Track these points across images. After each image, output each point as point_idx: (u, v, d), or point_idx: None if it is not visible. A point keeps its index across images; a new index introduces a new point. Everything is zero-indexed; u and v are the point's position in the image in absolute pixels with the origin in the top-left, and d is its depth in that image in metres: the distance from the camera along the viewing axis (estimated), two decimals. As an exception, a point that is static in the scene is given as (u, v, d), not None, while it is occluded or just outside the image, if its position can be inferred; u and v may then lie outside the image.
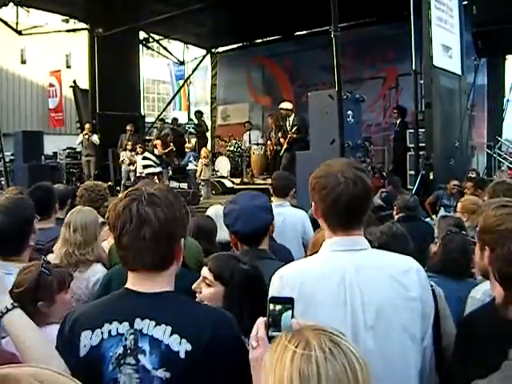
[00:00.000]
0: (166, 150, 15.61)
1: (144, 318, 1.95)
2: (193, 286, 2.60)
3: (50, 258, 3.88)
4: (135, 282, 2.04)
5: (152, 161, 14.85)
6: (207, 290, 2.57)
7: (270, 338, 1.65)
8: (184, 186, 15.43)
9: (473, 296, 2.92)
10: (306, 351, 1.30)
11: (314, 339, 1.32)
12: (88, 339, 1.95)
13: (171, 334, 1.92)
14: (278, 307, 1.71)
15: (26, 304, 2.83)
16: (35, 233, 3.59)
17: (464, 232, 4.21)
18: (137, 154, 15.82)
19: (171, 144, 16.07)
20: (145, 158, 14.96)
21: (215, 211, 5.71)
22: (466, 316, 2.61)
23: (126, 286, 2.07)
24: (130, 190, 2.08)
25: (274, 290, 2.21)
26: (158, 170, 14.72)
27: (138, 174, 14.90)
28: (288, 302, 1.72)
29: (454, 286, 3.51)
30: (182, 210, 2.13)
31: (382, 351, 2.11)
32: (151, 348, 1.91)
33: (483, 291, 2.74)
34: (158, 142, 15.74)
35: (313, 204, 2.36)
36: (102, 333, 1.95)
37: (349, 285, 2.16)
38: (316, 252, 2.36)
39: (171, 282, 2.09)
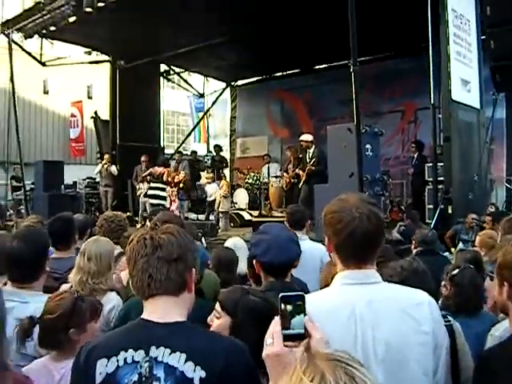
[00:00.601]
0: (176, 180, 15.65)
1: (159, 346, 1.98)
2: (208, 320, 2.61)
3: (65, 286, 3.92)
4: (150, 312, 2.09)
5: (159, 189, 14.93)
6: (216, 321, 2.59)
7: (284, 337, 1.70)
8: (202, 217, 15.50)
9: (492, 334, 2.89)
10: None
11: (329, 373, 1.30)
12: (104, 367, 1.99)
13: (186, 361, 1.95)
14: (289, 306, 1.74)
15: (57, 331, 2.85)
16: (49, 260, 3.65)
17: (471, 266, 4.18)
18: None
19: (181, 173, 16.15)
20: (151, 188, 15.06)
21: (234, 243, 5.73)
22: (485, 351, 2.58)
23: (141, 316, 2.11)
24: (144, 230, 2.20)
25: None
26: (163, 202, 14.71)
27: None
28: (299, 300, 1.75)
29: (470, 323, 3.48)
30: (193, 242, 2.25)
31: None
32: (166, 375, 1.95)
33: (504, 328, 2.72)
34: (164, 170, 15.71)
35: (326, 239, 2.37)
36: (117, 360, 1.99)
37: (359, 318, 2.16)
38: (327, 286, 2.37)
39: (185, 312, 2.15)
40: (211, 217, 15.33)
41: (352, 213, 2.22)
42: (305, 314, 1.74)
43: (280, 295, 1.79)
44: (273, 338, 1.73)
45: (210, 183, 15.59)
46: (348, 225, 2.21)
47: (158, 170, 15.28)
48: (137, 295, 2.19)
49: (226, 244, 5.85)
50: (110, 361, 1.99)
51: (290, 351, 1.71)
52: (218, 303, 2.62)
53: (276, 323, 1.75)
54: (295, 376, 1.34)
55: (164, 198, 14.87)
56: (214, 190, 15.24)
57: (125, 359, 1.98)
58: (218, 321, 2.57)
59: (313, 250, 5.60)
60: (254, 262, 3.25)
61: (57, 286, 4.03)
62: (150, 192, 15.02)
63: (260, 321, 2.50)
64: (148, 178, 15.38)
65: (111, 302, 3.94)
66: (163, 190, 14.99)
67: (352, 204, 2.26)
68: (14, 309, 3.24)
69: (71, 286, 3.78)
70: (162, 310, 2.07)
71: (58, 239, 4.76)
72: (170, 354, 1.96)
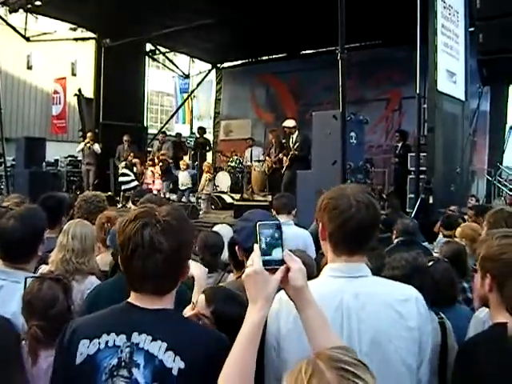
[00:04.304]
0: (157, 160, 15.98)
1: (141, 333, 1.97)
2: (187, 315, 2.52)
3: (45, 268, 3.87)
4: (137, 297, 2.07)
5: (130, 176, 15.50)
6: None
7: (264, 262, 1.81)
8: (184, 199, 15.54)
9: (477, 316, 2.94)
10: None
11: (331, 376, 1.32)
12: (85, 347, 1.98)
13: (166, 351, 1.94)
14: (268, 232, 1.85)
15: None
16: (43, 244, 3.60)
17: (446, 259, 4.21)
18: (145, 166, 16.21)
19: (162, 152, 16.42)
20: (123, 175, 15.78)
21: (218, 230, 5.73)
22: (466, 341, 2.62)
23: (128, 300, 2.09)
24: (139, 211, 2.07)
25: (272, 311, 2.22)
26: (133, 184, 15.44)
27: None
28: (275, 228, 1.86)
29: (448, 316, 3.50)
30: (191, 232, 2.19)
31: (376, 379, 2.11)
32: (145, 362, 1.94)
33: (487, 311, 2.76)
34: (136, 160, 16.09)
35: (320, 225, 2.35)
36: (99, 343, 1.98)
37: (346, 311, 2.16)
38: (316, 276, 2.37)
39: (172, 299, 2.12)
40: (183, 199, 15.40)
41: (349, 200, 2.21)
42: (282, 243, 1.84)
43: (257, 223, 1.86)
44: (253, 262, 1.81)
45: (183, 170, 15.62)
46: (344, 212, 2.21)
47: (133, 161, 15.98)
48: (128, 285, 2.12)
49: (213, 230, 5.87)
50: (92, 342, 1.98)
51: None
52: (209, 312, 2.43)
53: (255, 249, 1.82)
54: (296, 377, 1.35)
55: (130, 182, 15.56)
56: (185, 179, 15.35)
57: (106, 342, 1.97)
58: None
59: (296, 235, 5.65)
60: (237, 248, 3.25)
61: (37, 265, 3.98)
62: (122, 178, 15.79)
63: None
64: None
65: (92, 286, 3.88)
66: (128, 175, 15.74)
67: (351, 192, 2.25)
68: (2, 288, 3.22)
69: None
70: (150, 297, 2.04)
71: (47, 218, 4.72)
72: (152, 341, 1.95)
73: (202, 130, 19.33)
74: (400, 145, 14.31)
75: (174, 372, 1.92)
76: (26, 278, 3.07)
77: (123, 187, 15.60)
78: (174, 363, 1.92)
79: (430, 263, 4.00)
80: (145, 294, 2.05)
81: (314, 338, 1.83)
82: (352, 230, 2.21)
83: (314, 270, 3.68)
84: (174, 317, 2.10)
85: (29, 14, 16.98)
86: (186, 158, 17.78)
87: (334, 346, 1.53)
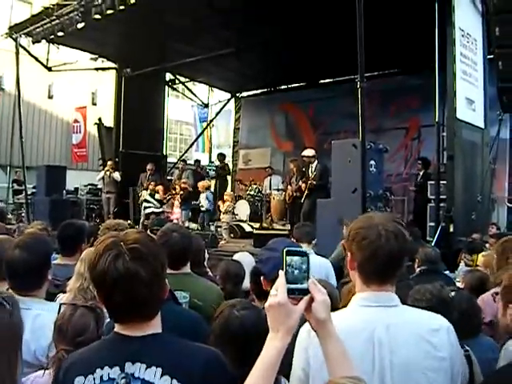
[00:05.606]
0: (168, 196, 16.06)
1: (135, 362, 1.98)
2: None
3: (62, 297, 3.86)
4: (124, 326, 2.06)
5: (153, 203, 15.75)
6: None
7: (288, 291, 1.76)
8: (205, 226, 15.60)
9: (506, 348, 2.88)
10: None
11: None
12: None
13: (162, 376, 1.95)
14: (294, 261, 1.80)
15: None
16: (51, 267, 3.61)
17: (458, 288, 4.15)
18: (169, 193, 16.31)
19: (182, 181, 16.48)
20: (146, 201, 15.95)
21: (239, 258, 5.71)
22: (493, 372, 2.56)
23: (115, 330, 2.09)
24: (105, 244, 2.03)
25: (300, 343, 2.20)
26: (159, 210, 15.70)
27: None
28: (303, 256, 1.82)
29: (472, 347, 3.42)
30: (162, 252, 2.15)
31: None
32: None
33: None
34: (159, 187, 16.10)
35: (348, 255, 2.34)
36: (94, 378, 1.98)
37: (378, 342, 2.14)
38: (345, 306, 2.35)
39: (159, 322, 2.12)
40: (212, 227, 15.46)
41: (378, 230, 2.20)
42: (308, 272, 1.80)
43: (285, 249, 1.83)
44: (277, 290, 1.77)
45: (203, 192, 15.67)
46: (373, 242, 2.19)
47: (156, 188, 16.16)
48: (111, 318, 2.15)
49: (234, 258, 5.85)
50: (87, 379, 1.98)
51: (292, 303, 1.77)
52: None
53: (281, 276, 1.79)
54: None
55: (150, 207, 15.90)
56: (205, 201, 15.40)
57: (101, 377, 1.98)
58: None
59: (318, 264, 5.62)
60: (262, 278, 3.16)
61: (57, 292, 3.99)
62: (146, 204, 16.04)
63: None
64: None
65: None
66: (150, 201, 15.96)
67: (379, 222, 2.24)
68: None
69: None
70: (137, 325, 2.04)
71: (66, 245, 4.75)
72: (146, 369, 1.96)
73: (221, 156, 19.42)
74: (421, 173, 14.25)
75: None
76: (60, 305, 3.07)
77: (146, 211, 15.77)
78: None
79: (452, 293, 3.95)
80: (131, 323, 2.04)
81: (332, 372, 1.81)
82: (382, 260, 2.19)
83: (338, 302, 3.64)
84: (165, 340, 2.08)
85: (51, 44, 17.19)
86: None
87: (345, 376, 1.52)
